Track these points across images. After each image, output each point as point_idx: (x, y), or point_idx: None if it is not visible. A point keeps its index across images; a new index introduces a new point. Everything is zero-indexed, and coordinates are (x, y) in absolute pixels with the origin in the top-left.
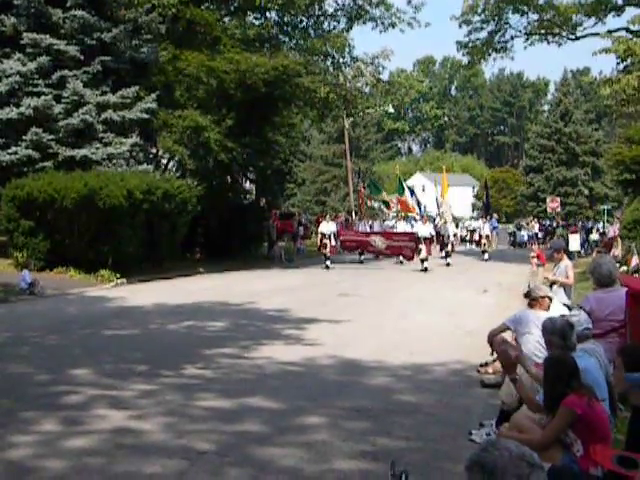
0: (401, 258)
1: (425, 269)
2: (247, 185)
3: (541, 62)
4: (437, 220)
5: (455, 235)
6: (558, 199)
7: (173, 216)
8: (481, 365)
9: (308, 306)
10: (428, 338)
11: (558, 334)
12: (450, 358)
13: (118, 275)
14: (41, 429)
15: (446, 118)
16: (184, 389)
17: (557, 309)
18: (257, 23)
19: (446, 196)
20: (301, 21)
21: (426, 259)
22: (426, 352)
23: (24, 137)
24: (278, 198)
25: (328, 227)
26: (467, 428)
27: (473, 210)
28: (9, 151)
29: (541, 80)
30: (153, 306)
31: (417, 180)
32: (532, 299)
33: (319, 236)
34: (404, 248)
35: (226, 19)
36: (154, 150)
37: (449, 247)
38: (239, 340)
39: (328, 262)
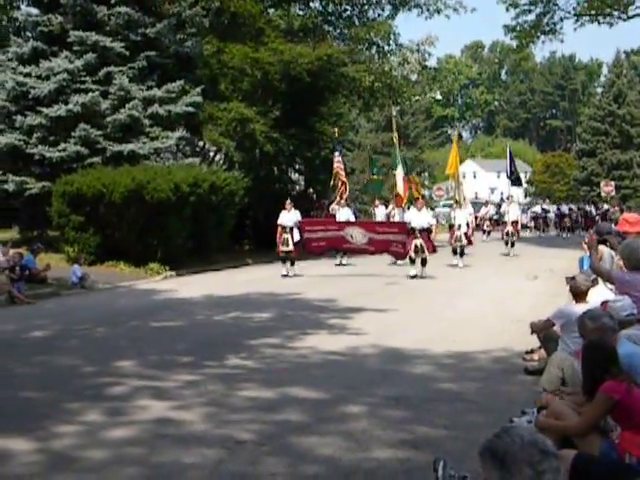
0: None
1: (419, 276)
2: (294, 176)
3: (594, 43)
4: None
5: (475, 224)
6: (612, 183)
7: (220, 208)
8: (526, 352)
9: (355, 295)
10: (473, 326)
11: (606, 315)
12: (495, 346)
13: (167, 268)
14: (85, 420)
15: (496, 103)
16: (226, 379)
17: (604, 293)
18: (301, 13)
19: (457, 173)
20: (345, 10)
21: (425, 260)
22: (471, 340)
23: (73, 134)
24: (327, 188)
25: (289, 217)
26: (509, 416)
27: (525, 196)
28: (59, 148)
29: (594, 62)
30: (201, 297)
31: (468, 167)
32: (578, 293)
33: (278, 230)
34: (392, 243)
35: (270, 10)
36: (201, 143)
37: (463, 241)
38: (284, 330)
39: (286, 269)
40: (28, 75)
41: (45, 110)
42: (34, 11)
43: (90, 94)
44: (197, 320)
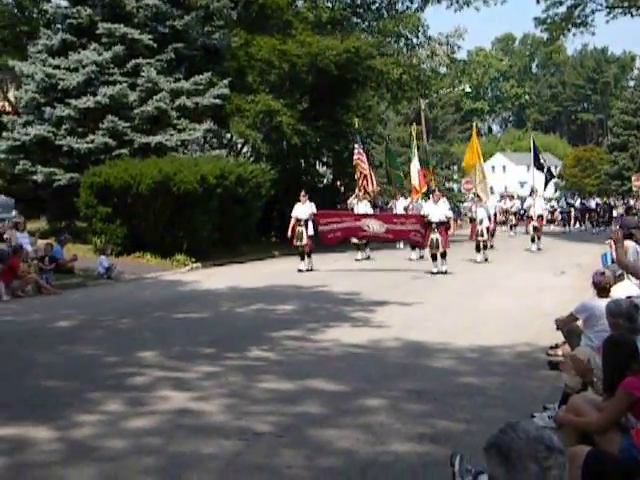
0: (412, 254)
1: (445, 271)
2: (322, 169)
3: (627, 36)
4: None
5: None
6: None
7: (247, 200)
8: (551, 347)
9: (379, 289)
10: (498, 320)
11: (624, 317)
12: (519, 340)
13: (193, 259)
14: (106, 409)
15: (527, 96)
16: (247, 371)
17: (629, 288)
18: (329, 6)
19: (478, 165)
20: (374, 2)
21: (444, 254)
22: (494, 334)
23: (101, 125)
24: (354, 181)
25: (303, 209)
26: (530, 411)
27: (556, 190)
28: (87, 139)
29: (627, 55)
30: (226, 289)
31: (497, 160)
32: (601, 288)
33: (292, 222)
34: (411, 232)
35: (298, 3)
36: (228, 135)
37: (484, 236)
38: (307, 323)
39: (304, 264)
40: (57, 67)
41: (74, 102)
42: (63, 3)
43: (118, 86)
44: (221, 312)
